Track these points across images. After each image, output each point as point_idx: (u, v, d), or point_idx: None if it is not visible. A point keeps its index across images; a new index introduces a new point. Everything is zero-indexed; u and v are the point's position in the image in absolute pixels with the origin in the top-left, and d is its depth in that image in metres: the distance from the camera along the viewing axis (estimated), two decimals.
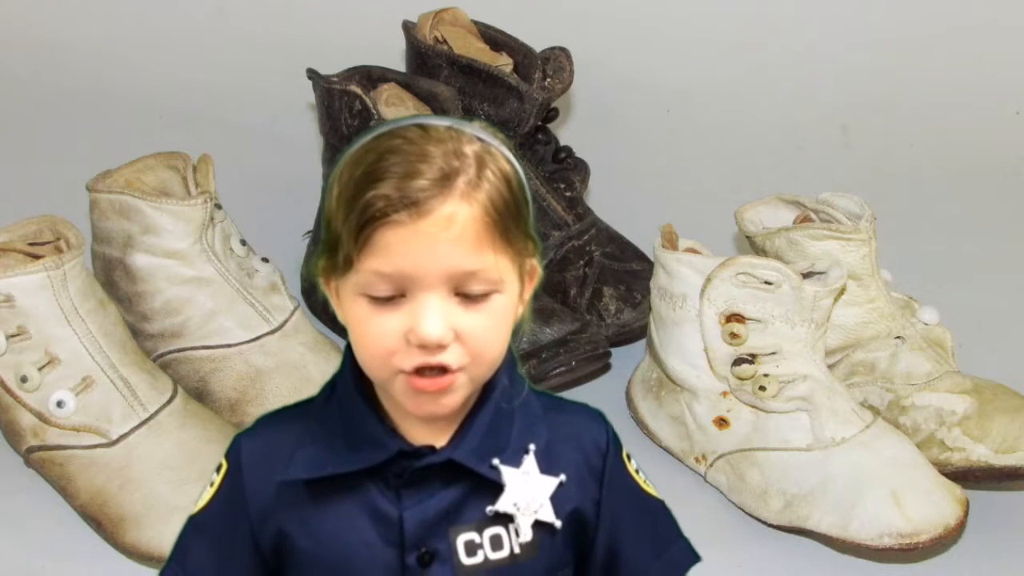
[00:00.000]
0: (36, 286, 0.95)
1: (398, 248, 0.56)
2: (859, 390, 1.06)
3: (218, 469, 0.64)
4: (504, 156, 0.59)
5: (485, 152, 0.58)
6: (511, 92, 1.15)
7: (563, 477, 0.62)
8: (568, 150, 1.23)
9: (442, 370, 0.58)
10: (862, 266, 1.05)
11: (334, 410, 0.62)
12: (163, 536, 0.93)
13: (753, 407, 1.01)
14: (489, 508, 0.61)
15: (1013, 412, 1.01)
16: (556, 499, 0.62)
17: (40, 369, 0.96)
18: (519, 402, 0.63)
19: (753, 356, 1.00)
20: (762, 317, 1.00)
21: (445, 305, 0.57)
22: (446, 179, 0.56)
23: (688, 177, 1.45)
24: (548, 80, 1.18)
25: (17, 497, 1.01)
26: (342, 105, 1.09)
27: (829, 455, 0.98)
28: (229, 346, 1.06)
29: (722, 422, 1.02)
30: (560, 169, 1.22)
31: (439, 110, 1.11)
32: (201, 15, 1.55)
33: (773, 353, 1.00)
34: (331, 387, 0.64)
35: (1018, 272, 1.33)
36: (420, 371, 0.58)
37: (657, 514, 0.67)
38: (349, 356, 0.62)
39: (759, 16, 1.53)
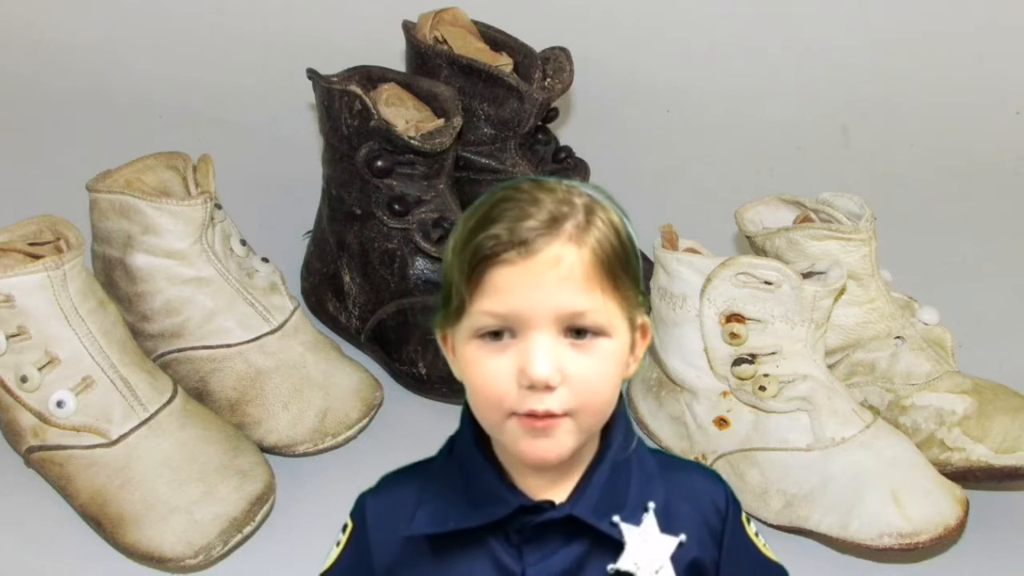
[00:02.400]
0: (36, 286, 0.95)
1: (507, 287, 0.58)
2: (859, 390, 1.06)
3: (344, 528, 0.66)
4: (615, 210, 0.61)
5: (594, 203, 0.60)
6: (511, 92, 1.15)
7: (683, 537, 0.63)
8: (568, 150, 1.23)
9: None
10: (862, 266, 1.05)
11: (454, 467, 0.64)
12: (163, 536, 0.93)
13: (753, 407, 1.01)
14: (610, 566, 0.61)
15: (1013, 412, 1.01)
16: (675, 558, 0.62)
17: (40, 369, 0.96)
18: (635, 458, 0.64)
19: (753, 356, 1.01)
20: (762, 317, 1.00)
21: (554, 346, 0.58)
22: (555, 222, 0.58)
23: (688, 177, 1.45)
24: (548, 80, 1.18)
25: (17, 497, 1.01)
26: (342, 105, 1.09)
27: (829, 455, 0.98)
28: (229, 346, 1.06)
29: (722, 422, 1.02)
30: (560, 169, 1.22)
31: (439, 110, 1.11)
32: (201, 15, 1.55)
33: (773, 353, 1.00)
34: (450, 446, 0.65)
35: (1018, 272, 1.33)
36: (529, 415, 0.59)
37: (777, 570, 0.68)
38: (467, 414, 0.63)
39: (759, 16, 1.53)
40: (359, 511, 0.66)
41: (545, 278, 0.57)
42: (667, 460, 0.66)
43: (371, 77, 1.13)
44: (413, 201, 1.11)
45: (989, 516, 1.02)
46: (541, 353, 0.57)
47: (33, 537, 0.98)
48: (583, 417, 0.59)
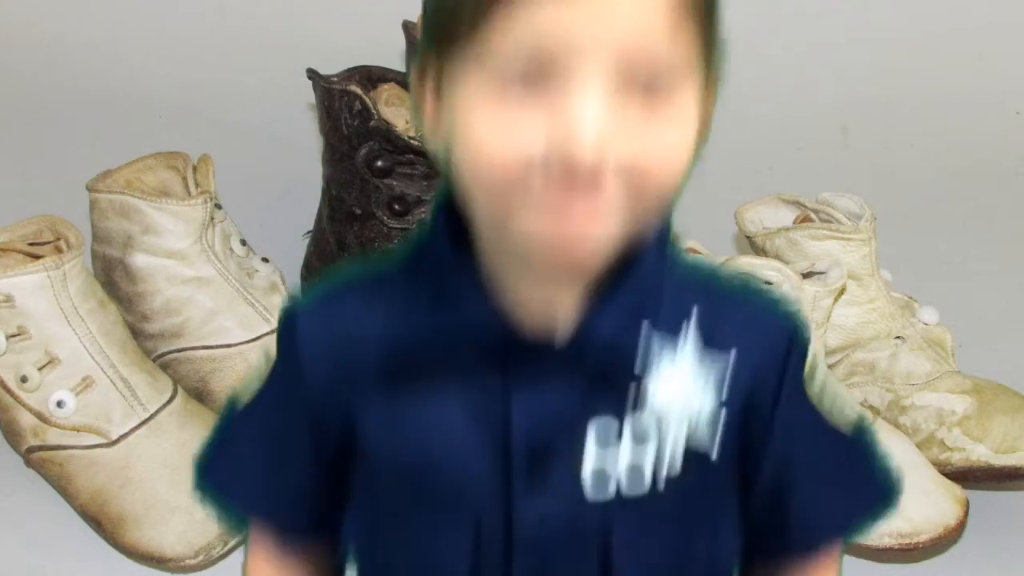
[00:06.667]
0: (36, 286, 0.95)
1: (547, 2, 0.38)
2: (859, 390, 1.06)
3: (266, 355, 0.51)
4: None
5: None
6: None
7: (724, 396, 0.47)
8: None
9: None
10: (862, 266, 1.05)
11: (420, 276, 0.47)
12: (163, 536, 0.93)
13: None
14: (623, 418, 0.46)
15: (1013, 412, 1.01)
16: (710, 420, 0.47)
17: (40, 369, 0.96)
18: (669, 276, 0.47)
19: None
20: None
21: (609, 103, 0.39)
22: None
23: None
24: None
25: (17, 497, 1.01)
26: (342, 105, 1.09)
27: None
28: (229, 346, 1.06)
29: None
30: None
31: None
32: (201, 15, 1.55)
33: None
34: (415, 250, 0.48)
35: (1018, 272, 1.33)
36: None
37: (846, 447, 0.52)
38: (444, 204, 0.46)
39: (758, 16, 1.52)
40: (287, 331, 0.49)
41: None
42: (714, 282, 0.48)
43: (371, 77, 1.13)
44: (413, 201, 1.11)
45: (989, 516, 1.02)
46: (590, 111, 0.38)
47: (33, 537, 0.98)
48: (641, 201, 0.42)
